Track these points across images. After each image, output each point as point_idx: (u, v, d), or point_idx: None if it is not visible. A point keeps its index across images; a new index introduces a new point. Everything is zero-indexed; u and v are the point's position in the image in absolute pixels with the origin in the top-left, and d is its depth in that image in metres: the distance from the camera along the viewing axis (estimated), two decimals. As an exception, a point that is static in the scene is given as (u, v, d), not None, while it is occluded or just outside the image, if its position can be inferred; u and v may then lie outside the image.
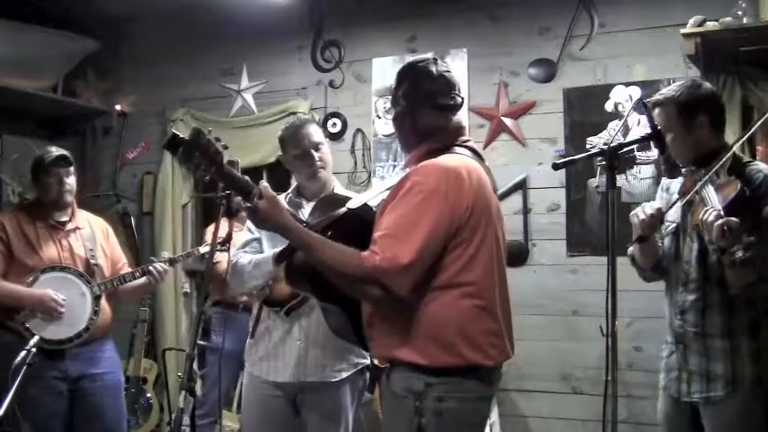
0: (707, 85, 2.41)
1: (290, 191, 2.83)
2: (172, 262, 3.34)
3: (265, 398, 2.73)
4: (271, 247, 2.65)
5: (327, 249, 1.92)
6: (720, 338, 2.30)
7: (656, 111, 2.38)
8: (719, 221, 2.03)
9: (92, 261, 3.21)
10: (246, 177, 1.98)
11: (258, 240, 2.74)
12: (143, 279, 3.23)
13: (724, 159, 2.24)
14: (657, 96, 2.41)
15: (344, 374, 2.72)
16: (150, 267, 3.19)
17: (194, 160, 1.88)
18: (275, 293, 2.67)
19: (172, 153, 1.91)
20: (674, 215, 2.45)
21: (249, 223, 2.81)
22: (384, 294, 1.85)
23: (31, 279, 3.07)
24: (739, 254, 1.98)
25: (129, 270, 3.32)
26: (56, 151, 3.22)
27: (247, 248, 2.74)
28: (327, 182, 2.78)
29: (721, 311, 2.30)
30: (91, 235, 3.29)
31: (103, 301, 3.23)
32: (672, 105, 2.34)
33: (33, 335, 2.94)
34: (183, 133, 1.92)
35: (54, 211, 3.22)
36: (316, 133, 2.74)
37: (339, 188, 2.85)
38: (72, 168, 3.23)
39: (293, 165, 2.77)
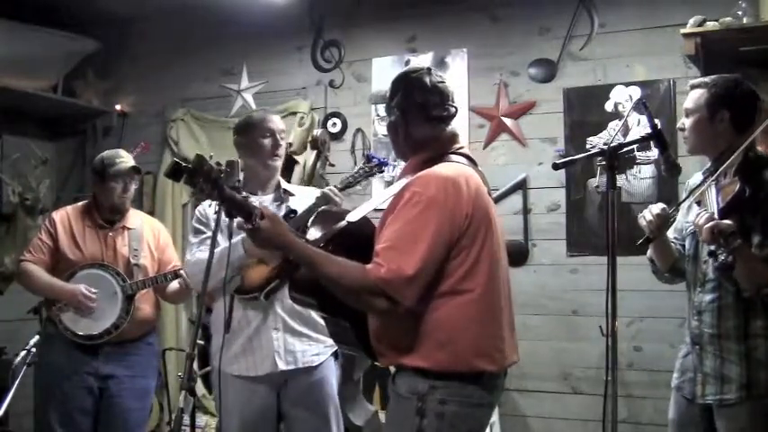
0: (747, 86, 2.40)
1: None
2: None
3: (247, 397, 2.68)
4: (225, 240, 2.53)
5: (331, 264, 1.92)
6: (736, 341, 2.28)
7: (691, 92, 2.42)
8: (709, 224, 2.06)
9: (132, 261, 3.25)
10: (247, 199, 2.02)
11: (213, 237, 2.71)
12: (177, 284, 3.26)
13: (730, 160, 2.25)
14: (698, 80, 2.45)
15: (323, 357, 2.74)
16: (180, 271, 3.21)
17: (198, 186, 1.93)
18: (247, 281, 2.65)
19: (174, 180, 1.97)
20: (694, 215, 2.40)
21: (194, 221, 2.81)
22: (390, 306, 1.86)
23: (68, 274, 3.18)
24: (722, 257, 1.99)
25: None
26: (128, 161, 3.28)
27: (203, 246, 2.71)
28: (278, 173, 2.87)
29: (737, 313, 2.28)
30: (139, 235, 3.32)
31: (142, 303, 3.26)
32: (705, 91, 2.37)
33: (66, 328, 3.14)
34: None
35: (107, 213, 3.29)
36: (282, 123, 2.88)
37: (285, 183, 2.92)
38: (138, 176, 3.35)
39: (252, 147, 2.80)
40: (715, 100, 2.34)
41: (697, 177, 2.51)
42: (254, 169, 2.79)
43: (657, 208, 2.36)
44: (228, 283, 2.63)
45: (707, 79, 2.42)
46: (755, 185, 2.22)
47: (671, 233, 2.52)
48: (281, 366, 2.65)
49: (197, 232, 2.78)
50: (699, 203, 2.31)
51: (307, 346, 2.70)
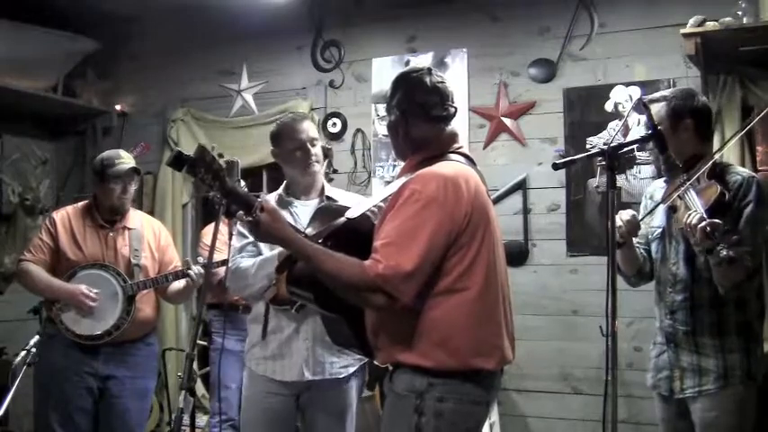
0: (701, 98, 2.53)
1: (279, 189, 2.85)
2: (206, 267, 3.32)
3: (269, 397, 2.72)
4: (269, 248, 2.65)
5: (330, 260, 1.92)
6: (710, 336, 2.38)
7: (652, 106, 2.52)
8: (703, 223, 2.14)
9: (133, 261, 3.25)
10: (247, 191, 2.01)
11: (254, 243, 2.73)
12: (183, 283, 3.25)
13: (707, 166, 2.35)
14: (656, 94, 2.56)
15: (351, 369, 2.75)
16: (189, 271, 3.19)
17: (199, 176, 1.92)
18: (281, 293, 2.67)
19: (176, 170, 1.96)
20: (659, 220, 2.56)
21: (239, 227, 2.82)
22: (388, 302, 1.86)
23: (68, 274, 3.17)
24: (724, 252, 2.07)
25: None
26: (127, 162, 3.26)
27: (244, 253, 2.74)
28: (319, 177, 2.83)
29: (711, 311, 2.39)
30: (140, 235, 3.32)
31: (143, 303, 3.25)
32: (665, 104, 2.49)
33: (67, 328, 3.13)
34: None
35: (107, 213, 3.29)
36: (311, 129, 2.82)
37: (329, 187, 2.88)
38: (137, 177, 3.33)
39: (287, 158, 2.79)
40: (677, 111, 2.45)
41: (657, 184, 2.63)
42: (294, 177, 2.81)
43: (627, 214, 2.45)
44: (267, 292, 2.67)
45: (665, 93, 2.55)
46: (727, 188, 2.33)
47: (633, 238, 2.61)
48: (308, 376, 2.69)
49: (241, 236, 2.78)
50: (673, 209, 2.39)
51: (335, 358, 2.71)
